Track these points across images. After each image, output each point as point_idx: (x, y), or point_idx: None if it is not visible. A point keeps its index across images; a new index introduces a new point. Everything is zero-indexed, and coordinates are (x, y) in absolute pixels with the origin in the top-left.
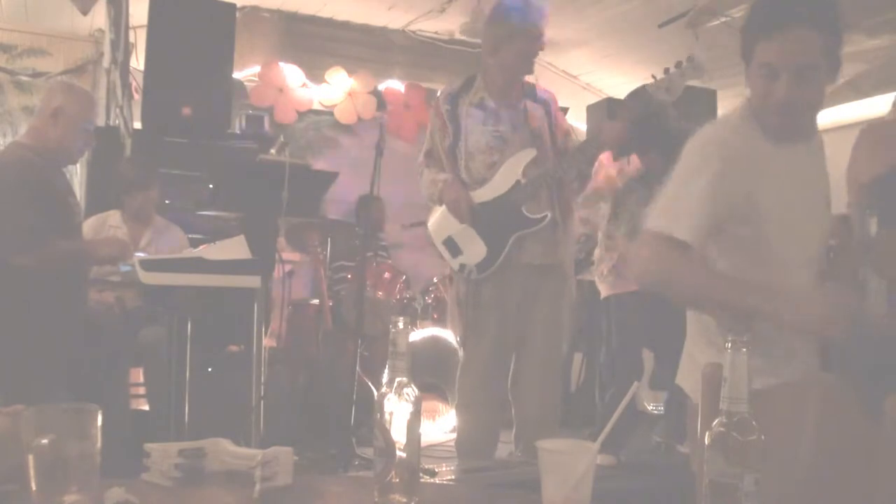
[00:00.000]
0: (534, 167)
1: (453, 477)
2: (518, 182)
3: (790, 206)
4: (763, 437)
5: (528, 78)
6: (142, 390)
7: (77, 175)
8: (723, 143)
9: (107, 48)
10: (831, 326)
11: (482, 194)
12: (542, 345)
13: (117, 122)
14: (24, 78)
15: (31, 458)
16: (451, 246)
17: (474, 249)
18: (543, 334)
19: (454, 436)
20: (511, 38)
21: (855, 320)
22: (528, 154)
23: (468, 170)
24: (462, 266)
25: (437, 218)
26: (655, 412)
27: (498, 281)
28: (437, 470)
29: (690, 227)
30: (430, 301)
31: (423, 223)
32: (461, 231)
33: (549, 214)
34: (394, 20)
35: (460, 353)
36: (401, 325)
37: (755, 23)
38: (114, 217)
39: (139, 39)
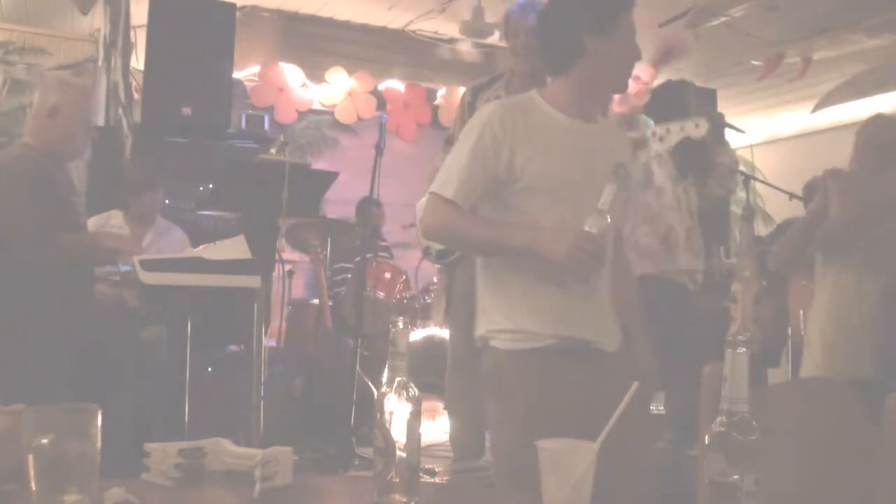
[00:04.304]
0: None
1: (453, 477)
2: None
3: (568, 176)
4: (763, 436)
5: None
6: (142, 390)
7: (77, 175)
8: (486, 122)
9: (101, 47)
10: (573, 259)
11: None
12: None
13: (119, 121)
14: (23, 77)
15: (31, 458)
16: None
17: None
18: None
19: (448, 436)
20: (510, 33)
21: (597, 260)
22: None
23: None
24: (427, 248)
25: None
26: (655, 412)
27: (467, 276)
28: (437, 470)
29: (455, 189)
30: (430, 301)
31: None
32: None
33: None
34: (394, 20)
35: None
36: (401, 325)
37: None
38: (116, 217)
39: (139, 39)
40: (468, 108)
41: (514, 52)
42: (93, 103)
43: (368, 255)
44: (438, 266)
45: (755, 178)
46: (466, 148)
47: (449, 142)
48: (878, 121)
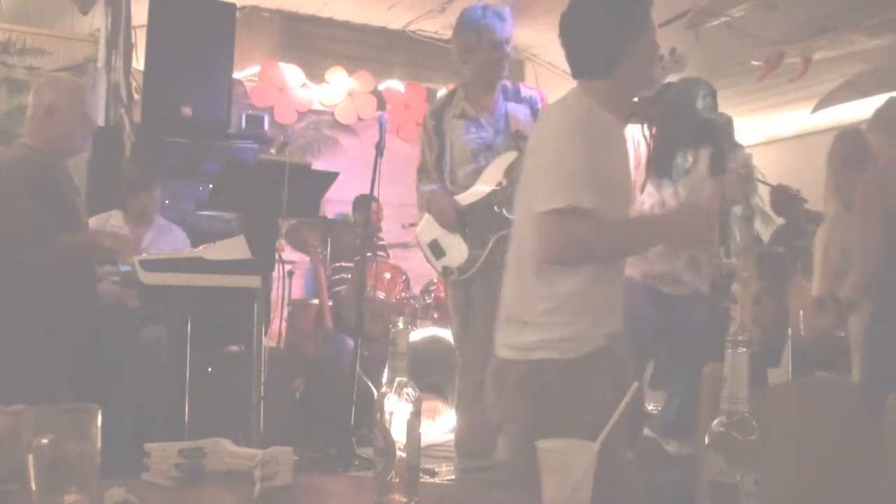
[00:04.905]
0: (517, 168)
1: (453, 477)
2: (500, 184)
3: (624, 179)
4: (763, 436)
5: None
6: (142, 390)
7: (76, 175)
8: (582, 126)
9: (102, 48)
10: (710, 230)
11: (466, 198)
12: None
13: (120, 122)
14: (23, 78)
15: (31, 458)
16: (436, 248)
17: (457, 252)
18: None
19: (454, 436)
20: (476, 47)
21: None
22: (510, 156)
23: (454, 179)
24: (445, 268)
25: (425, 223)
26: (655, 413)
27: (486, 283)
28: (437, 470)
29: (591, 196)
30: (430, 301)
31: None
32: (445, 234)
33: None
34: (394, 20)
35: (458, 353)
36: (401, 325)
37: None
38: (116, 217)
39: (139, 39)
40: (434, 132)
41: (489, 63)
42: (89, 99)
43: (368, 255)
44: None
45: (755, 179)
46: (576, 152)
47: (422, 170)
48: (847, 136)
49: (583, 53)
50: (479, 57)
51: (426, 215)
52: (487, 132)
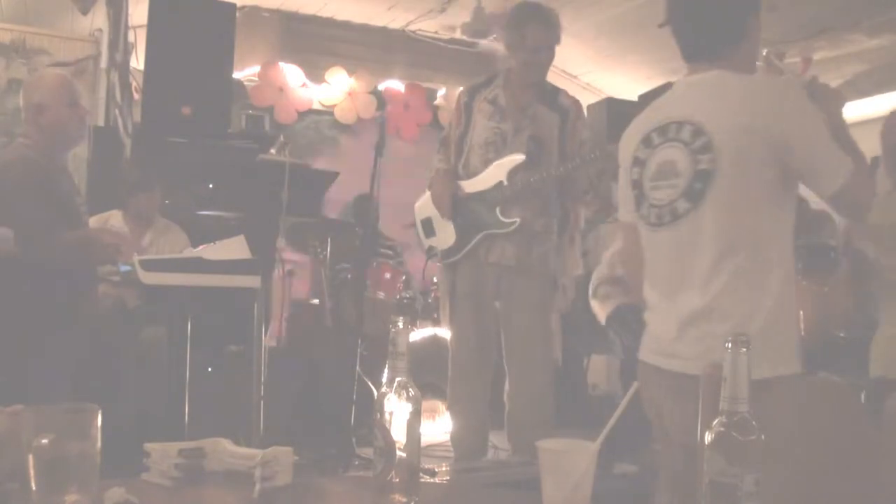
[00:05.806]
0: (522, 173)
1: (453, 477)
2: (500, 183)
3: None
4: (763, 436)
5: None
6: (142, 390)
7: (76, 175)
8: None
9: (105, 49)
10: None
11: (467, 186)
12: (528, 347)
13: (117, 122)
14: (23, 77)
15: (31, 458)
16: (427, 226)
17: (445, 235)
18: (528, 337)
19: (449, 434)
20: (519, 47)
21: None
22: (517, 158)
23: (467, 162)
24: (430, 248)
25: (425, 198)
26: None
27: (469, 272)
28: (437, 470)
29: None
30: (430, 301)
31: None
32: (440, 215)
33: (518, 221)
34: (394, 20)
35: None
36: (401, 325)
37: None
38: (115, 217)
39: (139, 39)
40: (464, 108)
41: (528, 64)
42: (76, 88)
43: (372, 257)
44: (439, 266)
45: None
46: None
47: (444, 143)
48: None
49: (706, 33)
50: (520, 56)
51: (428, 192)
52: (507, 126)
